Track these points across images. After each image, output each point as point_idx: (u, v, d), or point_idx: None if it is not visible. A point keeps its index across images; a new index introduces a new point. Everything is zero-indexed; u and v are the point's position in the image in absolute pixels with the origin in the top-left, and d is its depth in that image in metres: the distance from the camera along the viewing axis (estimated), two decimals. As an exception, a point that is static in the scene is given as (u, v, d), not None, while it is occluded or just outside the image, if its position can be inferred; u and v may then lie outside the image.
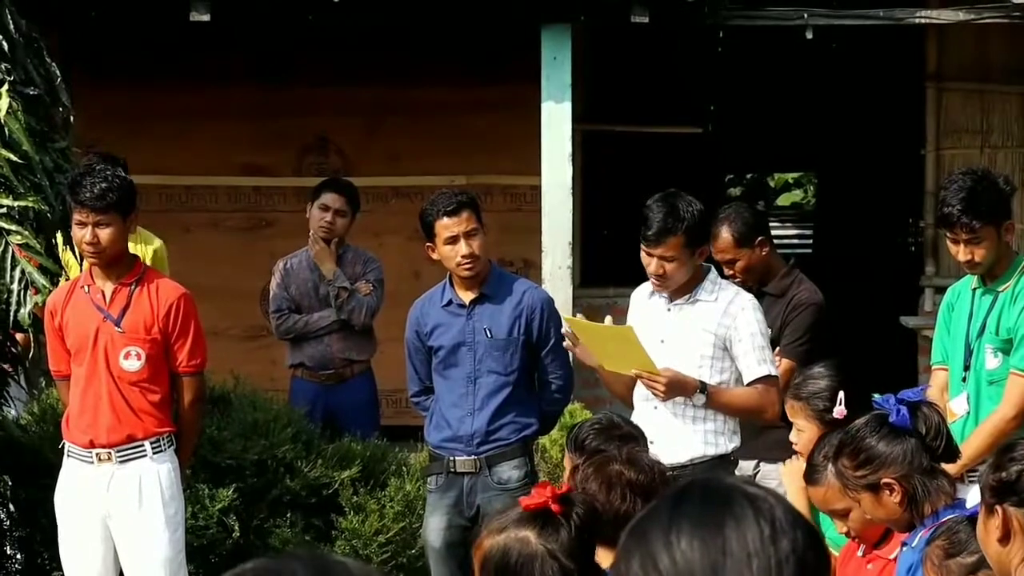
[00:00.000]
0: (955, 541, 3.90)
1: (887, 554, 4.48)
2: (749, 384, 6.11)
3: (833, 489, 4.58)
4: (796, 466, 5.09)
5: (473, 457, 6.64)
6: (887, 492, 4.28)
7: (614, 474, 4.13)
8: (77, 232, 6.42)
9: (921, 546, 4.12)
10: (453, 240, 6.58)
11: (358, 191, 9.10)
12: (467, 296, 6.70)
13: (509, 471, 6.64)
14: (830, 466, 4.58)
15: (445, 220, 6.56)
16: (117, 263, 6.52)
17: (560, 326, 6.78)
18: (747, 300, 6.23)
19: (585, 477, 4.17)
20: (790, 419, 5.24)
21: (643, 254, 6.14)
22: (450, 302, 6.73)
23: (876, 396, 4.46)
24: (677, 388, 6.01)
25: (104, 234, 6.40)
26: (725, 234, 7.03)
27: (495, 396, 6.65)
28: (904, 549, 4.31)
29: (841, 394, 4.88)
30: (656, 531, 1.90)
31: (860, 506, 4.38)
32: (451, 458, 6.68)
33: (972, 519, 3.92)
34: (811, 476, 4.71)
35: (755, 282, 6.96)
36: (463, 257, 6.58)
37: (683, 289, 6.18)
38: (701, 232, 6.16)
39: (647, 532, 1.91)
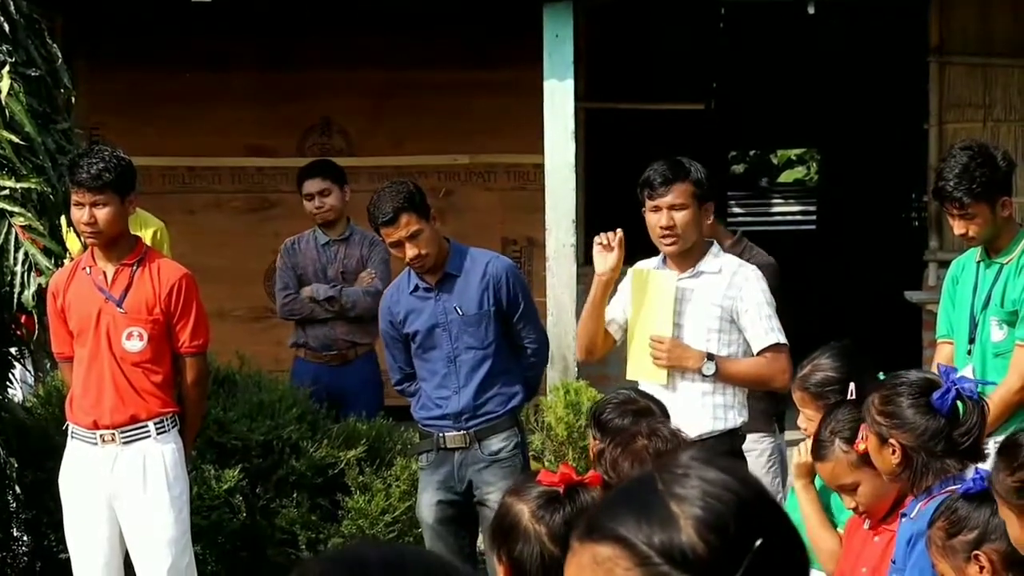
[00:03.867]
0: (953, 520, 3.92)
1: (894, 527, 4.48)
2: (758, 354, 6.11)
3: (841, 464, 4.59)
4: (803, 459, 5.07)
5: (463, 432, 6.67)
6: (890, 450, 4.29)
7: (640, 449, 4.17)
8: (75, 213, 6.43)
9: (922, 518, 4.13)
10: (397, 245, 6.63)
11: (334, 163, 9.11)
12: (432, 278, 6.73)
13: (499, 443, 6.68)
14: (837, 441, 4.58)
15: (385, 229, 6.62)
16: (117, 244, 6.52)
17: (528, 289, 6.83)
18: (750, 271, 6.23)
19: (613, 459, 4.20)
20: (799, 407, 5.22)
21: (649, 214, 6.12)
22: (417, 287, 6.77)
23: (942, 364, 4.43)
24: (679, 355, 6.03)
25: (101, 214, 6.40)
26: None
27: (477, 371, 6.68)
28: (903, 520, 4.32)
29: (852, 386, 4.85)
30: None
31: (867, 444, 4.39)
32: (441, 434, 6.71)
33: (966, 495, 3.93)
34: (819, 452, 4.71)
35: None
36: (410, 260, 6.64)
37: (687, 263, 6.17)
38: (707, 186, 6.16)
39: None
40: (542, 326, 7.02)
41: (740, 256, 7.00)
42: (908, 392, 4.29)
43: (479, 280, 6.70)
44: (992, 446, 5.98)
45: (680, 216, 6.07)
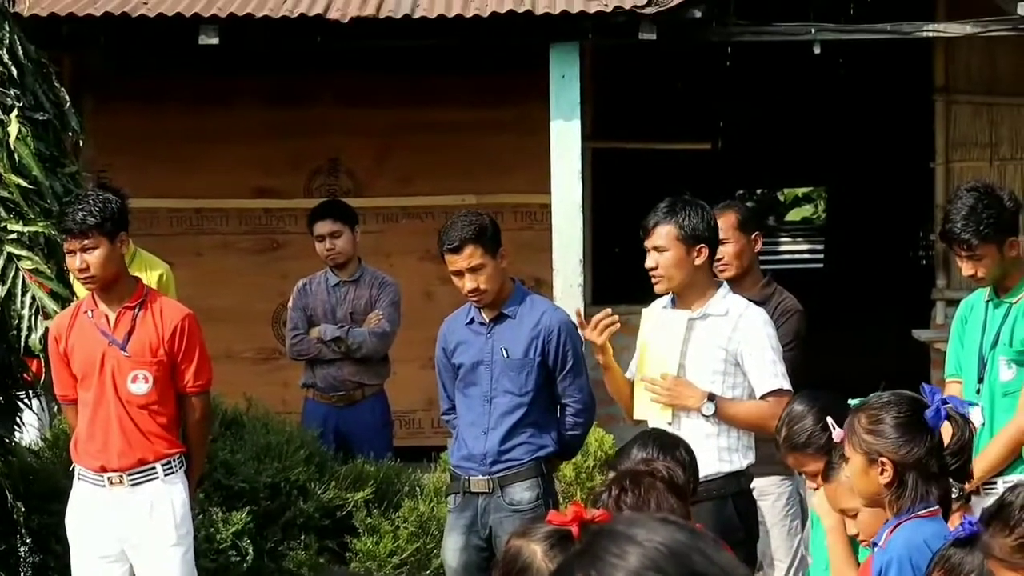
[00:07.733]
0: (948, 569, 3.90)
1: None
2: (760, 398, 6.10)
3: (843, 487, 4.60)
4: (824, 495, 5.02)
5: (487, 477, 6.64)
6: (879, 469, 4.25)
7: (648, 485, 4.21)
8: (70, 261, 6.44)
9: (890, 547, 4.14)
10: (457, 275, 6.62)
11: (345, 204, 9.13)
12: (488, 315, 6.73)
13: (521, 492, 6.62)
14: (844, 466, 4.58)
15: (448, 256, 6.61)
16: (116, 286, 6.51)
17: (579, 349, 6.76)
18: (757, 314, 6.22)
19: (619, 493, 4.23)
20: (798, 470, 5.21)
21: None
22: (473, 320, 6.77)
23: (924, 384, 4.42)
24: (679, 393, 6.05)
25: (91, 258, 6.39)
26: (729, 214, 7.03)
27: (508, 416, 6.64)
28: (875, 550, 4.31)
29: (829, 419, 4.83)
30: None
31: (848, 466, 4.38)
32: (467, 478, 6.68)
33: (957, 542, 3.91)
34: (827, 473, 4.74)
35: (738, 273, 6.95)
36: (467, 292, 6.63)
37: (692, 303, 6.17)
38: (698, 228, 6.12)
39: None
40: (590, 390, 6.85)
41: (771, 296, 7.01)
42: (896, 411, 4.27)
43: (531, 327, 6.67)
44: (1001, 486, 5.98)
45: (663, 258, 6.10)
